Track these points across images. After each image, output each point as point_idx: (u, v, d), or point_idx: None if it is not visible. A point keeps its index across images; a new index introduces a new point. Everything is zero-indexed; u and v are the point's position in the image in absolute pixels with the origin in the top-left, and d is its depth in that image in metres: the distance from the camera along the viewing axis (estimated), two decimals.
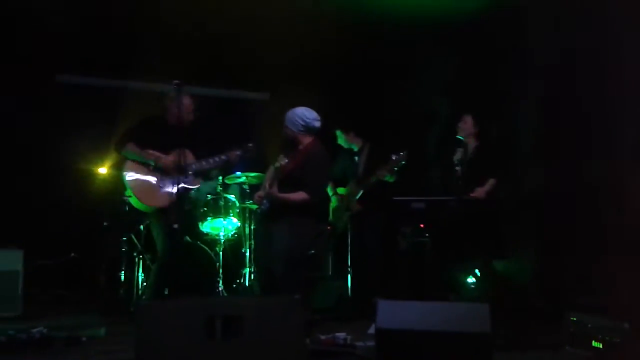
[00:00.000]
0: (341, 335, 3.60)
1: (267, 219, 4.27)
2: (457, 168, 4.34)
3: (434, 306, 3.08)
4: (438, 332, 2.93)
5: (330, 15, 5.51)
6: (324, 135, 4.40)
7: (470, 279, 4.36)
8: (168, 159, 4.37)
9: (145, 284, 4.98)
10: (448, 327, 2.93)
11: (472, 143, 4.65)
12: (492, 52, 5.40)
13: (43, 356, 3.57)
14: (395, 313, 3.04)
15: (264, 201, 4.27)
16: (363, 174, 5.05)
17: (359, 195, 4.94)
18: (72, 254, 5.68)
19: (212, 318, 2.97)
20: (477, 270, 4.30)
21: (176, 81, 4.39)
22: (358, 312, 4.75)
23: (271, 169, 4.45)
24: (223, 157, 4.53)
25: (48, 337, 3.79)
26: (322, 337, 3.59)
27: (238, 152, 4.54)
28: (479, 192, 4.38)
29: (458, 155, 4.42)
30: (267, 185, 4.37)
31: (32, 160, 5.81)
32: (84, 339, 3.90)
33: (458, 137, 4.70)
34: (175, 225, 4.12)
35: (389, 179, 4.85)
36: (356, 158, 5.24)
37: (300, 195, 4.06)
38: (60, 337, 3.83)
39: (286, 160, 4.03)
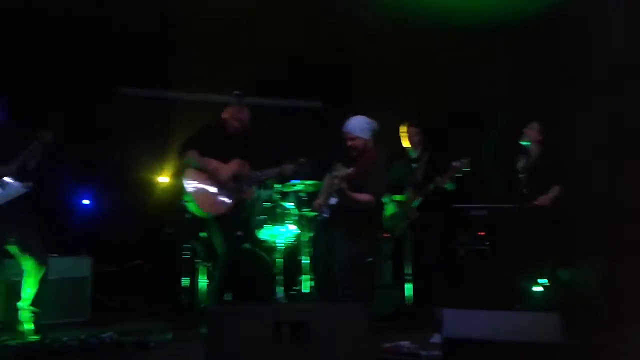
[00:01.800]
0: (405, 343, 3.60)
1: (326, 226, 4.32)
2: (521, 175, 4.28)
3: (503, 315, 3.04)
4: (507, 342, 2.89)
5: (386, 21, 5.52)
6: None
7: (536, 288, 4.28)
8: (223, 173, 4.48)
9: (206, 289, 5.09)
10: (518, 337, 2.89)
11: (536, 149, 4.58)
12: (552, 57, 5.31)
13: None
14: (462, 322, 3.02)
15: (323, 209, 4.32)
16: (422, 181, 5.03)
17: (418, 202, 4.93)
18: (137, 261, 5.84)
19: (280, 324, 3.03)
20: (542, 279, 4.22)
21: (237, 92, 4.51)
22: (418, 320, 4.73)
23: (328, 177, 4.50)
24: (277, 169, 4.63)
25: (118, 342, 3.94)
26: (386, 345, 3.60)
27: (291, 166, 4.63)
28: (543, 199, 4.31)
29: (522, 163, 4.36)
30: (322, 194, 4.43)
31: (97, 172, 6.01)
32: (152, 344, 4.02)
33: (522, 143, 4.63)
34: (240, 233, 4.21)
35: (449, 186, 4.82)
36: (413, 165, 5.22)
37: (367, 197, 4.12)
38: (130, 342, 3.97)
39: (351, 169, 4.06)
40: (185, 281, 5.28)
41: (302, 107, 7.07)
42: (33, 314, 4.28)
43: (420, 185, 5.01)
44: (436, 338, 3.68)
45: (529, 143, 4.61)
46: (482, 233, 4.67)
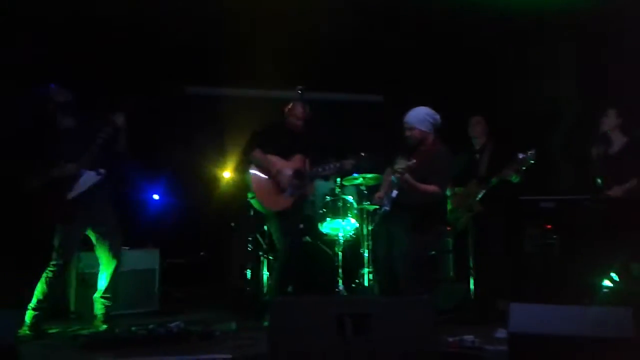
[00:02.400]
0: (469, 338, 3.53)
1: (387, 219, 4.30)
2: (596, 164, 4.08)
3: (572, 310, 2.93)
4: (577, 337, 2.79)
5: (445, 14, 5.42)
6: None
7: (606, 283, 4.11)
8: (286, 170, 4.53)
9: (269, 282, 5.17)
10: (588, 332, 2.78)
11: (617, 137, 4.38)
12: (619, 46, 5.07)
13: (181, 349, 3.77)
14: (529, 317, 2.93)
15: (385, 202, 4.31)
16: (486, 173, 4.92)
17: (481, 195, 4.82)
18: (202, 253, 6.00)
19: (343, 316, 3.04)
20: (613, 274, 4.05)
21: (299, 87, 4.56)
22: (481, 315, 4.63)
23: (389, 170, 4.48)
24: (337, 164, 4.64)
25: (185, 331, 4.04)
26: (450, 339, 3.55)
27: (352, 161, 4.64)
28: (617, 190, 4.11)
29: (599, 150, 4.16)
30: (383, 188, 4.42)
31: (166, 168, 6.20)
32: (217, 333, 4.13)
33: (602, 130, 4.44)
34: (301, 225, 4.26)
35: (514, 179, 4.69)
36: (477, 156, 5.11)
37: (432, 187, 4.07)
38: (196, 332, 4.07)
39: (414, 161, 4.03)
40: (249, 273, 5.38)
41: (362, 101, 7.05)
42: (104, 306, 4.45)
43: (484, 177, 4.90)
44: (501, 333, 3.60)
45: (608, 131, 4.41)
46: (550, 226, 4.52)
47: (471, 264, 4.91)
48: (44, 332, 4.19)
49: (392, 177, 4.23)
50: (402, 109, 4.50)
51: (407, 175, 4.07)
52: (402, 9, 5.48)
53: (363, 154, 4.66)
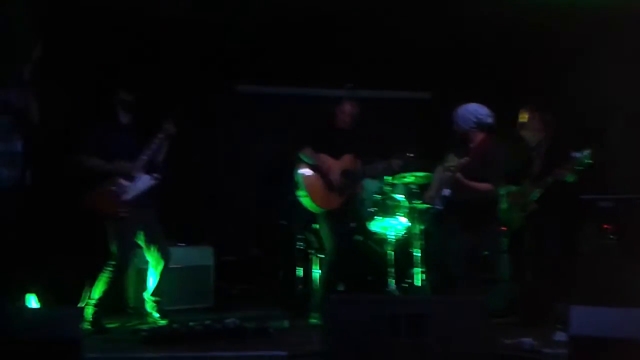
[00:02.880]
0: (527, 340, 3.48)
1: (439, 218, 4.28)
2: None
3: (635, 312, 2.86)
4: None
5: (494, 7, 5.32)
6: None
7: None
8: (335, 169, 4.55)
9: (319, 280, 5.20)
10: None
11: None
12: None
13: (237, 345, 3.87)
14: (590, 319, 2.87)
15: (436, 200, 4.29)
16: (540, 172, 4.82)
17: (536, 194, 4.73)
18: (254, 251, 6.09)
19: (397, 316, 3.05)
20: None
21: (349, 85, 4.58)
22: (537, 316, 4.54)
23: (439, 169, 4.45)
24: (385, 164, 4.64)
25: (240, 327, 4.11)
26: (506, 341, 3.51)
27: (399, 161, 4.63)
28: None
29: None
30: (435, 186, 4.40)
31: (217, 166, 6.30)
32: (271, 330, 4.19)
33: None
34: (353, 224, 4.28)
35: (569, 178, 4.57)
36: (532, 153, 4.99)
37: (485, 186, 4.04)
38: (251, 328, 4.14)
39: (466, 158, 4.00)
40: (300, 271, 5.44)
41: (410, 99, 7.00)
42: (155, 303, 4.58)
43: (539, 175, 4.80)
44: (561, 336, 3.53)
45: None
46: (608, 226, 4.40)
47: (526, 265, 4.82)
48: (104, 327, 4.35)
49: (444, 175, 4.21)
50: (451, 106, 4.47)
51: (458, 174, 4.03)
52: (450, 3, 5.43)
53: (410, 154, 4.65)
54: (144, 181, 4.40)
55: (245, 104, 6.54)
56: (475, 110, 4.20)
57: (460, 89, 5.74)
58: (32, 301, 4.13)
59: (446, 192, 4.14)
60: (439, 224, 4.31)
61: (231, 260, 5.88)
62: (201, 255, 5.36)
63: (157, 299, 4.59)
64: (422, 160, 4.88)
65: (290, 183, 4.84)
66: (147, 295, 4.60)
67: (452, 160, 4.10)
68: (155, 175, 4.43)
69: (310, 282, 5.30)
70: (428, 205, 4.71)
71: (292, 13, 5.50)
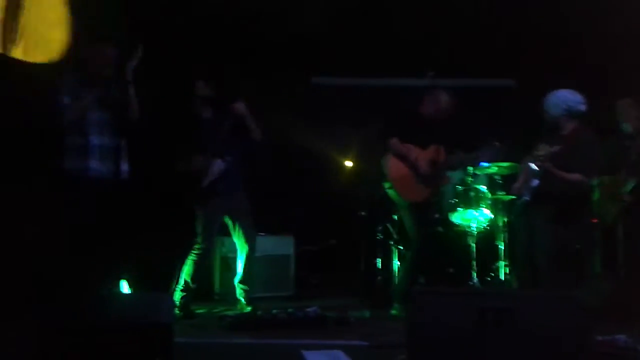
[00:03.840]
0: (621, 337, 3.31)
1: (527, 210, 4.13)
2: None
3: None
4: None
5: None
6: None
7: None
8: (422, 160, 4.48)
9: (399, 271, 5.17)
10: None
11: None
12: None
13: (318, 333, 3.90)
14: None
15: (524, 191, 4.14)
16: (636, 162, 4.55)
17: (631, 185, 4.47)
18: (332, 241, 6.12)
19: (485, 310, 2.96)
20: None
21: (430, 73, 4.48)
22: (632, 313, 4.31)
23: (527, 159, 4.28)
24: (473, 155, 4.52)
25: (322, 316, 4.16)
26: (599, 338, 3.35)
27: (489, 152, 4.49)
28: None
29: None
30: (522, 177, 4.24)
31: (297, 156, 6.37)
32: (352, 320, 4.21)
33: None
34: (437, 215, 4.22)
35: None
36: (627, 143, 4.73)
37: (577, 176, 3.86)
38: (332, 317, 4.18)
39: (557, 148, 3.83)
40: (379, 262, 5.41)
41: (494, 86, 6.78)
42: (243, 291, 4.69)
43: (635, 165, 4.53)
44: None
45: None
46: None
47: (620, 259, 4.58)
48: (193, 312, 4.51)
49: (533, 165, 4.05)
50: (539, 93, 4.29)
51: (549, 163, 3.87)
52: None
53: (498, 144, 4.51)
54: (217, 166, 4.49)
55: (323, 95, 6.56)
56: (566, 97, 4.01)
57: (546, 75, 5.52)
58: (125, 286, 4.33)
59: (535, 182, 3.98)
60: (526, 216, 4.15)
61: (311, 249, 5.93)
62: (282, 245, 5.47)
63: (245, 287, 4.69)
64: (507, 150, 4.73)
65: (371, 174, 4.82)
66: (236, 282, 4.72)
67: (542, 150, 3.94)
68: (227, 158, 4.50)
69: (390, 273, 5.28)
70: (514, 197, 4.55)
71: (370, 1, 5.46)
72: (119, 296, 3.91)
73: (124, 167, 4.11)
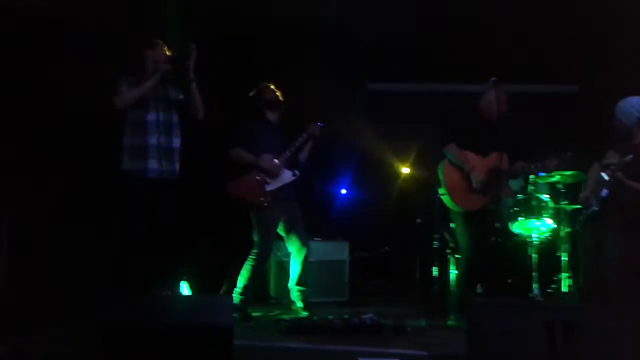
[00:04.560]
0: None
1: (595, 221, 3.97)
2: None
3: None
4: None
5: None
6: None
7: None
8: (481, 168, 4.37)
9: (454, 280, 5.05)
10: None
11: None
12: None
13: (374, 341, 3.87)
14: None
15: (592, 201, 3.99)
16: None
17: None
18: (386, 248, 6.06)
19: (552, 323, 2.86)
20: None
21: (493, 78, 4.37)
22: None
23: (596, 168, 4.13)
24: (539, 164, 4.37)
25: (378, 323, 4.12)
26: None
27: (556, 162, 4.33)
28: None
29: None
30: (590, 186, 4.08)
31: (352, 163, 6.34)
32: (409, 328, 4.14)
33: None
34: (497, 224, 4.10)
35: None
36: None
37: None
38: (388, 325, 4.13)
39: (629, 156, 3.67)
40: (435, 270, 5.32)
41: (556, 92, 6.58)
42: (300, 292, 4.70)
43: None
44: None
45: None
46: None
47: None
48: (250, 315, 4.53)
49: (602, 174, 3.89)
50: (603, 100, 4.13)
51: (619, 173, 3.72)
52: None
53: (569, 154, 4.34)
54: (286, 176, 4.60)
55: (379, 100, 6.52)
56: (638, 104, 3.84)
57: (611, 80, 5.32)
58: (184, 288, 4.40)
59: (604, 192, 3.83)
60: (593, 227, 3.99)
61: (366, 256, 5.89)
62: (337, 250, 5.45)
63: (301, 288, 4.71)
64: (573, 158, 4.55)
65: (428, 180, 4.74)
66: (291, 285, 4.74)
67: (612, 158, 3.78)
68: (296, 172, 4.63)
69: (446, 282, 5.17)
70: (579, 206, 4.38)
71: (429, 6, 5.40)
72: (180, 297, 3.96)
73: (177, 167, 4.15)
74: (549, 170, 4.48)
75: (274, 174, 4.56)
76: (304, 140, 4.66)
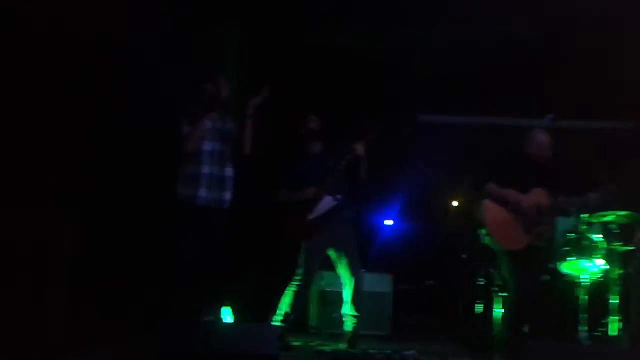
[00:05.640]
0: None
1: None
2: None
3: None
4: None
5: None
6: None
7: None
8: (524, 205, 4.30)
9: (500, 319, 4.94)
10: None
11: None
12: None
13: None
14: None
15: None
16: None
17: None
18: (430, 282, 5.98)
19: None
20: None
21: (550, 115, 4.32)
22: None
23: None
24: (582, 199, 4.27)
25: None
26: None
27: (597, 195, 4.22)
28: None
29: None
30: None
31: (399, 195, 6.30)
32: None
33: None
34: (547, 264, 4.01)
35: None
36: None
37: None
38: None
39: None
40: (479, 308, 5.21)
41: (611, 129, 6.42)
42: (354, 318, 4.58)
43: None
44: None
45: None
46: None
47: None
48: (290, 345, 4.51)
49: None
50: None
51: None
52: None
53: (611, 187, 4.23)
54: (327, 202, 4.54)
55: (431, 133, 6.49)
56: None
57: None
58: (227, 315, 4.43)
59: None
60: None
61: (409, 289, 5.82)
62: (381, 282, 5.40)
63: (356, 314, 4.59)
64: (626, 198, 4.43)
65: (473, 216, 4.67)
66: (344, 312, 4.64)
67: None
68: (337, 196, 4.55)
69: (491, 320, 5.06)
70: (632, 248, 4.25)
71: (482, 38, 5.38)
72: (225, 325, 3.98)
73: (228, 196, 4.23)
74: (592, 207, 4.36)
75: (314, 204, 4.53)
76: (347, 163, 4.55)
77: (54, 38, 3.98)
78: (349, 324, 4.61)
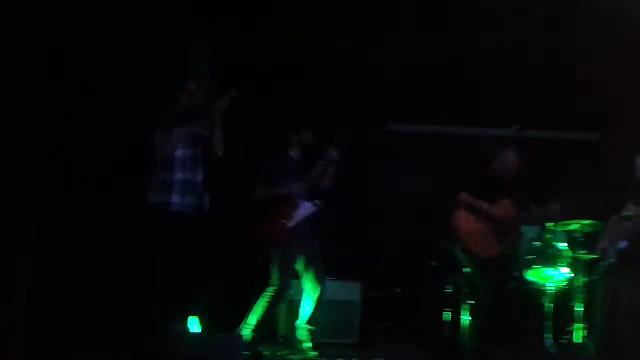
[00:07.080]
0: None
1: (613, 273, 3.93)
2: None
3: None
4: None
5: None
6: None
7: None
8: (496, 215, 4.39)
9: (468, 327, 4.98)
10: None
11: None
12: None
13: None
14: None
15: (609, 252, 3.96)
16: None
17: None
18: (398, 290, 5.99)
19: None
20: None
21: (516, 126, 4.42)
22: None
23: (615, 219, 4.11)
24: (542, 210, 4.37)
25: None
26: None
27: (558, 206, 4.34)
28: None
29: None
30: (609, 237, 4.06)
31: (369, 203, 6.33)
32: None
33: None
34: (513, 273, 4.08)
35: None
36: None
37: None
38: None
39: None
40: (447, 315, 5.24)
41: (578, 140, 6.55)
42: (309, 332, 4.62)
43: None
44: None
45: None
46: None
47: None
48: (261, 354, 4.45)
49: (620, 226, 3.87)
50: (622, 149, 4.13)
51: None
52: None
53: (571, 199, 4.34)
54: (306, 208, 4.52)
55: (400, 142, 6.53)
56: None
57: (633, 131, 5.30)
58: (194, 325, 4.36)
59: (622, 244, 3.80)
60: (610, 279, 3.95)
61: (377, 297, 5.82)
62: (348, 290, 5.37)
63: (311, 328, 4.62)
64: (588, 207, 4.53)
65: (442, 224, 4.71)
66: (301, 323, 4.66)
67: (632, 210, 3.77)
68: (316, 202, 4.54)
69: (458, 327, 5.09)
70: (596, 256, 4.34)
71: (454, 50, 5.45)
72: (188, 334, 3.92)
73: (205, 200, 4.20)
74: (554, 217, 4.47)
75: (293, 209, 4.51)
76: (322, 168, 4.57)
77: (23, 41, 3.91)
78: (304, 335, 4.59)
